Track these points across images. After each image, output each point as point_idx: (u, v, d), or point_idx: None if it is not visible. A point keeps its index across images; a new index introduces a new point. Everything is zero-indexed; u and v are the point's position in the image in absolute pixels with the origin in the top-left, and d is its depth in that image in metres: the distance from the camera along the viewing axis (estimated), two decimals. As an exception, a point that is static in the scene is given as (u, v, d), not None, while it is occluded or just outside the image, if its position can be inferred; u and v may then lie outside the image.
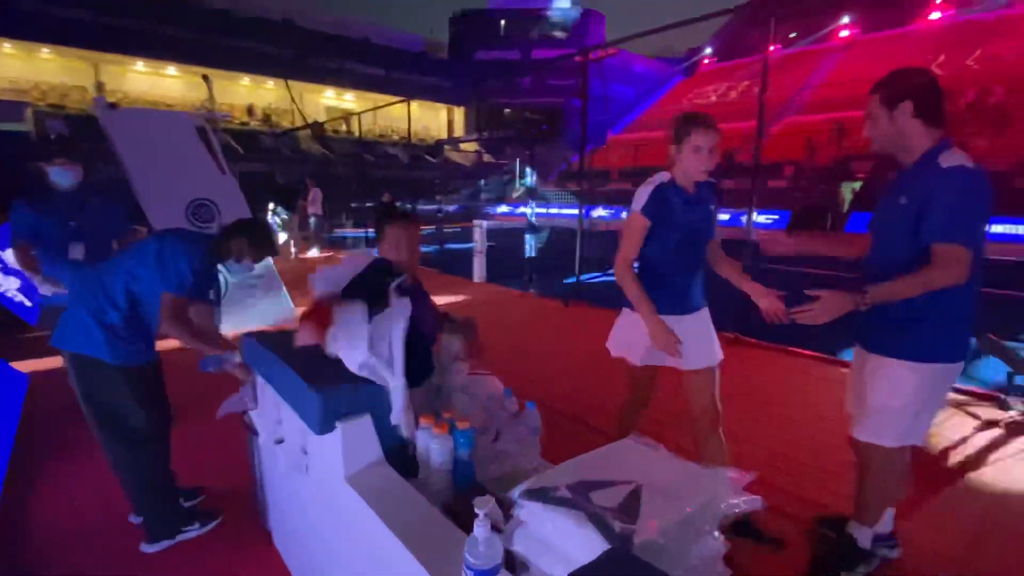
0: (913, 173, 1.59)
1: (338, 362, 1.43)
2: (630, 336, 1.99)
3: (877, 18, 23.18)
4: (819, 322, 1.56)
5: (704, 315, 2.05)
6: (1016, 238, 12.77)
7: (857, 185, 16.12)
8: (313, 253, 10.34)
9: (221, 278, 3.09)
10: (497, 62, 31.81)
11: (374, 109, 12.49)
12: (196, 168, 4.71)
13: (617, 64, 29.34)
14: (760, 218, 12.35)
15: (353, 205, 16.33)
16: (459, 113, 35.15)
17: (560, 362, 4.18)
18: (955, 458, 2.64)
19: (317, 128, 21.48)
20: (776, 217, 14.73)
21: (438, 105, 33.20)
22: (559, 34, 34.17)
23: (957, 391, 3.38)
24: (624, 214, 2.48)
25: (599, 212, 18.53)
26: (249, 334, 1.91)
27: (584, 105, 6.07)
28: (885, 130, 1.62)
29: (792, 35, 26.58)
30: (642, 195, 1.90)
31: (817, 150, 17.58)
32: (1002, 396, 3.18)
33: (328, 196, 10.91)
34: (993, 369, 3.67)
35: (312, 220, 10.59)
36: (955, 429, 2.93)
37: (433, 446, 1.31)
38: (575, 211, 6.47)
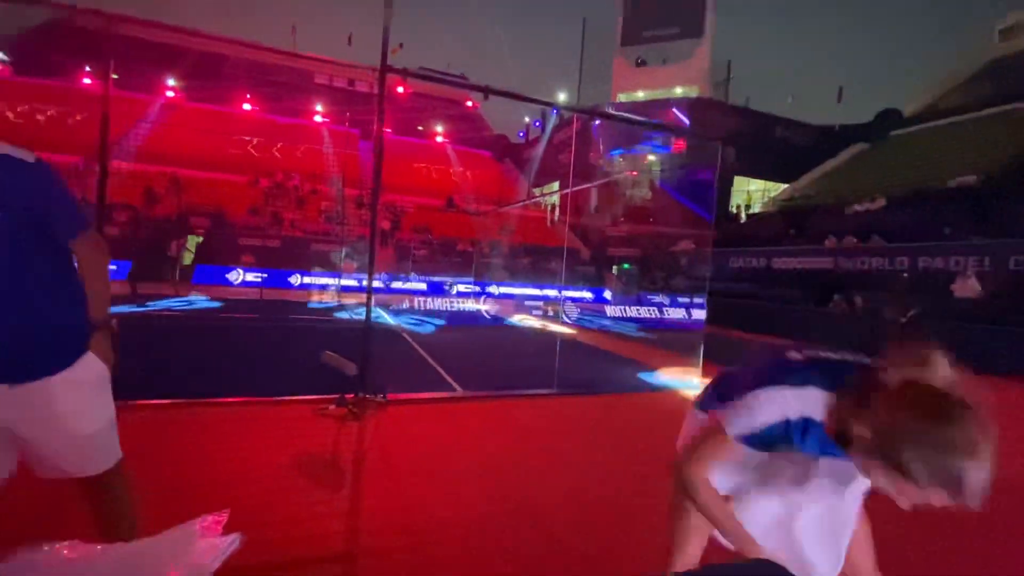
0: None
1: None
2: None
3: (201, 91, 25.11)
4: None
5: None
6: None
7: (200, 239, 16.86)
8: None
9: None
10: None
11: None
12: None
13: None
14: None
15: None
16: None
17: None
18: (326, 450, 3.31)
19: None
20: (115, 267, 13.15)
21: None
22: None
23: (312, 401, 4.20)
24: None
25: None
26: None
27: None
28: None
29: (115, 76, 24.46)
30: None
31: (160, 200, 17.10)
32: (340, 395, 4.18)
33: None
34: (334, 375, 4.56)
35: None
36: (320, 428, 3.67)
37: None
38: None
